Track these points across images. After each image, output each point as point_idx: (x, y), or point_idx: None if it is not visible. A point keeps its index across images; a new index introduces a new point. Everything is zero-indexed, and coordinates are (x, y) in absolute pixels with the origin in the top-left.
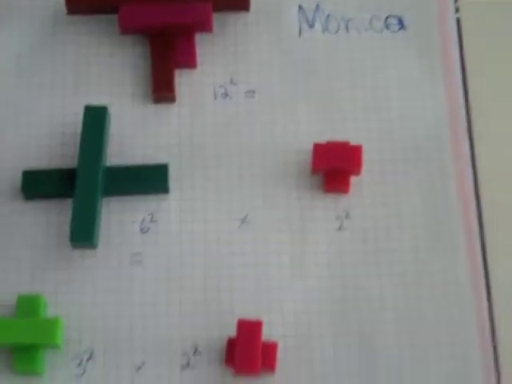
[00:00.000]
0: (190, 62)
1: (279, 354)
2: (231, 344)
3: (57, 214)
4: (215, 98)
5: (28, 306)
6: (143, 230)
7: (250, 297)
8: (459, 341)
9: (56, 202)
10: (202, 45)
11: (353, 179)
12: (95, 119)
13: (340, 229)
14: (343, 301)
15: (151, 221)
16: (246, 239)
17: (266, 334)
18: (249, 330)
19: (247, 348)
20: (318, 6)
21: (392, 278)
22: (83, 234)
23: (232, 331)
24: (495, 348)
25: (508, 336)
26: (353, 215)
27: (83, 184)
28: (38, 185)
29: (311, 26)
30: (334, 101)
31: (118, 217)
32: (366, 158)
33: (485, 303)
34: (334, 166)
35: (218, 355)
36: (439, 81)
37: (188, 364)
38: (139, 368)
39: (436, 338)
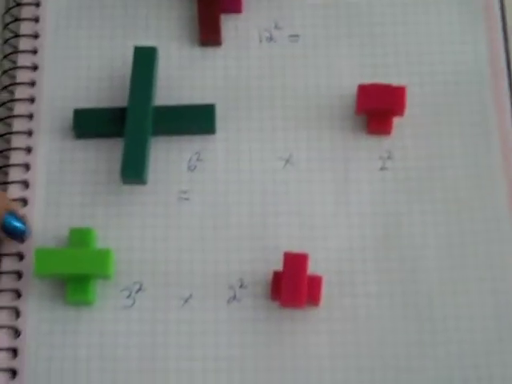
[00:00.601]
0: (235, 6)
1: (323, 290)
2: (277, 277)
3: (106, 152)
4: (260, 42)
5: (79, 238)
6: (190, 169)
7: (294, 233)
8: (501, 276)
9: (105, 141)
10: None
11: (395, 121)
12: (145, 59)
13: (382, 169)
14: (386, 238)
15: (198, 160)
16: (291, 178)
17: (310, 270)
18: (295, 262)
19: (293, 281)
20: None
21: (434, 216)
22: (134, 170)
23: (277, 266)
24: None
25: None
26: (395, 156)
27: (134, 123)
28: (89, 123)
29: None
30: (377, 44)
31: (166, 155)
32: (409, 100)
33: None
34: (378, 107)
35: (263, 289)
36: (480, 23)
37: (234, 297)
38: (187, 300)
39: (478, 273)
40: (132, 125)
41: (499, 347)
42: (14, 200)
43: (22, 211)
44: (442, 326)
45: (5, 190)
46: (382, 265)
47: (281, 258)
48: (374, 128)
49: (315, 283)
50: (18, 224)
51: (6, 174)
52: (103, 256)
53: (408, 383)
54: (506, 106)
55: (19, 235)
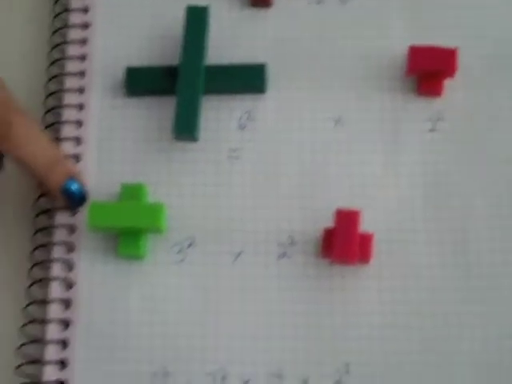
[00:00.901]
0: None
1: (374, 247)
2: (328, 234)
3: (157, 110)
4: (309, 4)
5: (131, 194)
6: (240, 127)
7: (344, 193)
8: None
9: (156, 99)
10: None
11: (446, 82)
12: (197, 19)
13: (432, 130)
14: (435, 197)
15: (248, 119)
16: (341, 138)
17: (361, 228)
18: (347, 219)
19: (345, 237)
20: None
21: (483, 176)
22: (186, 126)
23: (326, 224)
24: None
25: None
26: (445, 117)
27: (186, 81)
28: (141, 81)
29: None
30: (428, 6)
31: (217, 114)
32: (460, 62)
33: None
34: (429, 69)
35: (312, 247)
36: None
37: (284, 254)
38: (237, 256)
39: None
40: (184, 83)
41: None
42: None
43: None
44: (493, 283)
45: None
46: (432, 224)
47: (330, 216)
48: (425, 89)
49: (366, 240)
50: (78, 190)
51: (59, 130)
52: (156, 210)
53: (458, 340)
54: None
55: (78, 202)
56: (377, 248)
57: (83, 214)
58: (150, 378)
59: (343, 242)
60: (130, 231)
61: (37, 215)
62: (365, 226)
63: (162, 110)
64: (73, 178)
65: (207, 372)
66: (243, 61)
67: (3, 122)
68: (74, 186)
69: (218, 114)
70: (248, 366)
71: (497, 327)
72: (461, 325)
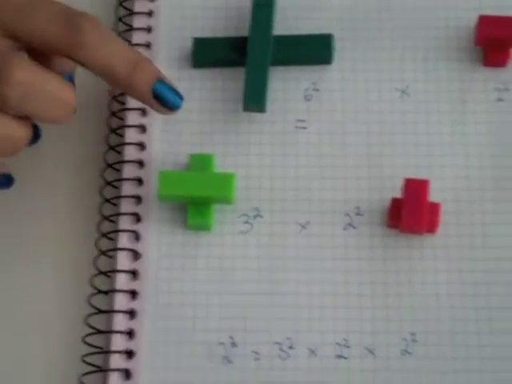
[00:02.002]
0: None
1: (441, 217)
2: (396, 203)
3: (223, 81)
4: None
5: (199, 164)
6: (307, 98)
7: (411, 163)
8: None
9: (221, 70)
10: None
11: None
12: None
13: (499, 100)
14: (503, 167)
15: (314, 89)
16: (407, 109)
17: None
18: (416, 188)
19: (414, 206)
20: None
21: None
22: (256, 98)
23: (393, 194)
24: None
25: None
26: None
27: (255, 52)
28: (207, 52)
29: None
30: None
31: (283, 85)
32: None
33: None
34: (498, 38)
35: (379, 217)
36: None
37: (350, 224)
38: (304, 226)
39: None
40: (253, 54)
41: None
42: (132, 127)
43: (140, 138)
44: None
45: (124, 118)
46: (500, 194)
47: (397, 186)
48: (491, 60)
49: (434, 210)
50: (170, 90)
51: (125, 102)
52: (226, 179)
53: None
54: None
55: (172, 103)
56: (444, 218)
57: (150, 185)
58: (218, 347)
59: (412, 211)
60: (198, 201)
61: (104, 186)
62: (432, 195)
63: (228, 81)
64: (161, 77)
65: (274, 341)
66: (310, 32)
67: (73, 28)
68: (165, 87)
69: (285, 85)
70: (314, 336)
71: None
72: None
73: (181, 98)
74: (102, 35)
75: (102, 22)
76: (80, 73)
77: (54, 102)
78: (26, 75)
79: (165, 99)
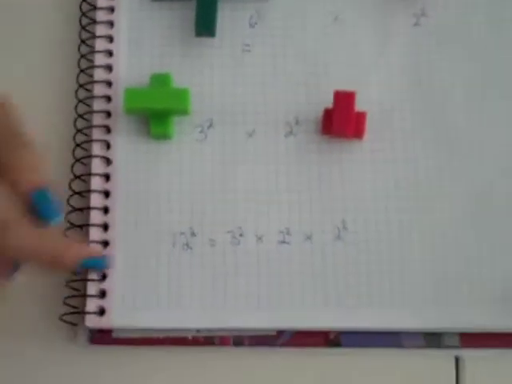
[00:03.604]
0: None
1: (367, 124)
2: (328, 113)
3: (179, 11)
4: None
5: (159, 82)
6: (251, 25)
7: (342, 78)
8: None
9: (178, 2)
10: None
11: None
12: None
13: (416, 24)
14: (419, 82)
15: (258, 17)
16: (339, 32)
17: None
18: (344, 99)
19: (342, 115)
20: None
21: (461, 62)
22: (206, 24)
23: (326, 105)
24: None
25: None
26: (427, 13)
27: None
28: None
29: None
30: None
31: (230, 14)
32: None
33: None
34: None
35: (314, 125)
36: None
37: (291, 132)
38: (250, 135)
39: (498, 107)
40: None
41: None
42: (100, 52)
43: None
44: (472, 155)
45: (93, 45)
46: (416, 104)
47: (329, 99)
48: None
49: (360, 118)
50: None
51: (93, 31)
52: (182, 93)
53: (434, 201)
54: None
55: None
56: (369, 125)
57: (117, 101)
58: (180, 237)
59: (341, 119)
60: (159, 113)
61: (76, 104)
62: (360, 105)
63: (184, 10)
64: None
65: (227, 230)
66: None
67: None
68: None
69: (232, 14)
70: (261, 225)
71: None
72: (439, 189)
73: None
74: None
75: None
76: None
77: (50, 261)
78: (21, 243)
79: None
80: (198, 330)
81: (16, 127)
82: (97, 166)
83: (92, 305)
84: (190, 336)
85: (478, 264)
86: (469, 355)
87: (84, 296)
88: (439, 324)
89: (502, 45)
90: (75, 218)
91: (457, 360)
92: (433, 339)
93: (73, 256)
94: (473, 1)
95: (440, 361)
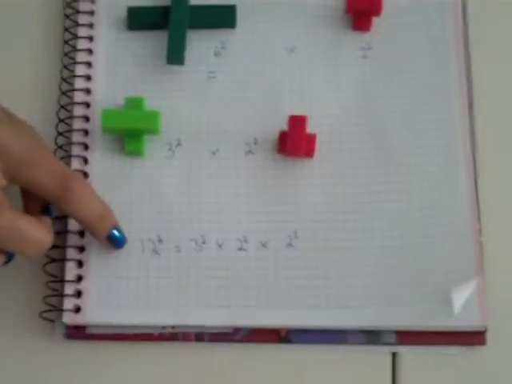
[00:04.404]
0: None
1: (317, 145)
2: (283, 135)
3: (152, 41)
4: None
5: (133, 104)
6: (216, 55)
7: (296, 104)
8: (450, 139)
9: (151, 33)
10: None
11: (374, 20)
12: None
13: (363, 57)
14: (365, 107)
15: (222, 48)
16: (294, 63)
17: (309, 130)
18: (297, 122)
19: (295, 137)
20: None
21: (400, 89)
22: (176, 54)
23: (282, 128)
24: None
25: None
26: (373, 47)
27: (176, 18)
28: (139, 18)
29: None
30: None
31: (198, 44)
32: (384, 4)
33: None
34: (363, 8)
35: (271, 145)
36: None
37: (250, 151)
38: (214, 153)
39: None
40: (174, 19)
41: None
42: (80, 76)
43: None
44: (407, 168)
45: (73, 70)
46: (362, 127)
47: (285, 122)
48: (358, 25)
49: (311, 139)
50: (121, 236)
51: (74, 58)
52: (154, 115)
53: (376, 211)
54: None
55: (120, 244)
56: (319, 146)
57: (95, 121)
58: (148, 243)
59: (294, 140)
60: (133, 133)
61: (57, 123)
62: (311, 129)
63: (156, 41)
64: (117, 227)
65: (191, 238)
66: (219, 2)
67: (65, 188)
68: (118, 234)
69: (199, 44)
70: (222, 234)
71: (406, 202)
72: (379, 201)
73: (125, 241)
74: (84, 195)
75: None
76: None
77: (29, 243)
78: (4, 221)
79: (115, 242)
80: (163, 327)
81: None
82: None
83: (69, 303)
84: (156, 332)
85: (412, 269)
86: (404, 351)
87: (62, 295)
88: (377, 322)
89: (434, 75)
90: (54, 224)
91: (393, 355)
92: (372, 336)
93: (109, 223)
94: (413, 37)
95: (378, 356)
